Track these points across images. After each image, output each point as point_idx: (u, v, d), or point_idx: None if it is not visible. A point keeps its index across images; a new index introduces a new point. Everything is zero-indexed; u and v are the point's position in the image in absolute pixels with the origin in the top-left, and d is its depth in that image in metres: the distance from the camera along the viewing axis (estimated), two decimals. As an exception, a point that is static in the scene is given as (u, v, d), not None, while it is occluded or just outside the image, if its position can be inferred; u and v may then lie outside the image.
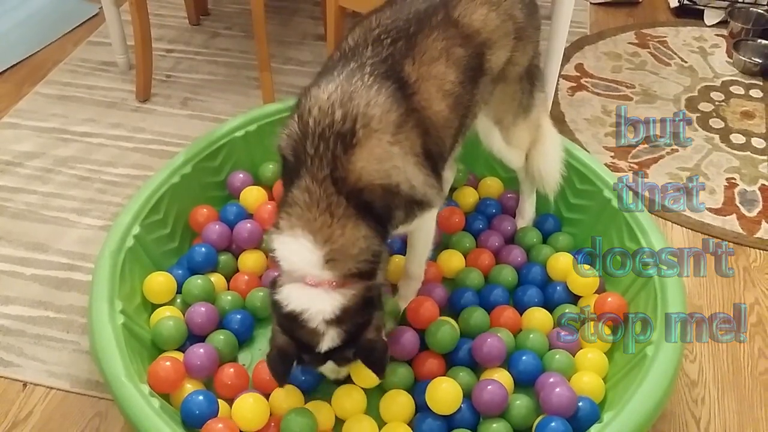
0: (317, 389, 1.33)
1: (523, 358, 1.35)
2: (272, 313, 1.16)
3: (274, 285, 1.15)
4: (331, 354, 1.13)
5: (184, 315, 1.44)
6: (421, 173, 1.20)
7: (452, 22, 1.25)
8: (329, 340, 1.11)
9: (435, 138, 1.23)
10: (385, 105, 1.14)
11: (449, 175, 1.72)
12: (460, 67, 1.25)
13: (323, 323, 1.10)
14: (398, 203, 1.19)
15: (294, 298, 1.11)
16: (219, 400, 1.28)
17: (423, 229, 1.39)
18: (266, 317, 1.50)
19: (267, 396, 1.29)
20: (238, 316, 1.44)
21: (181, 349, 1.38)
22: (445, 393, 1.24)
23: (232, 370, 1.32)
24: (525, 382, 1.32)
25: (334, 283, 1.11)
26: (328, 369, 1.20)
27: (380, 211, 1.16)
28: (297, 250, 1.11)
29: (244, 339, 1.46)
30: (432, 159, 1.23)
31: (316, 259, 1.11)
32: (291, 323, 1.11)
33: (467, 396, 1.29)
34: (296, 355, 1.13)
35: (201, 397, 1.24)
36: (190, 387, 1.29)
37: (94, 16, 2.63)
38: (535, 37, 1.43)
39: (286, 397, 1.29)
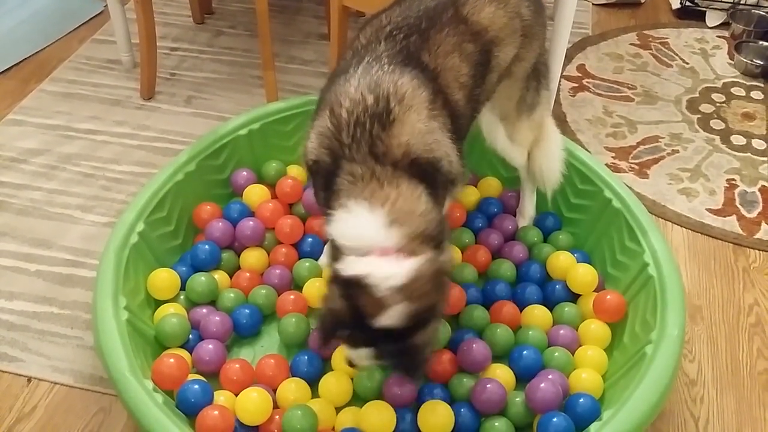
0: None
1: (524, 353, 1.36)
2: (330, 285, 1.05)
3: (335, 259, 1.06)
4: (382, 339, 1.01)
5: (187, 312, 1.45)
6: (454, 151, 1.19)
7: (461, 19, 1.27)
8: (391, 316, 0.99)
9: (455, 123, 1.24)
10: (413, 83, 1.14)
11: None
12: (471, 62, 1.26)
13: (391, 291, 0.97)
14: (438, 183, 1.15)
15: (357, 264, 1.01)
16: (225, 393, 1.30)
17: None
18: (268, 315, 1.51)
19: (273, 391, 1.31)
20: (247, 311, 1.45)
21: (185, 346, 1.40)
22: (438, 417, 1.23)
23: (237, 365, 1.33)
24: (526, 378, 1.33)
25: (403, 253, 1.01)
26: (362, 355, 1.06)
27: (432, 183, 1.10)
28: (354, 222, 1.04)
29: (249, 334, 1.47)
30: (456, 143, 1.22)
31: (378, 223, 1.02)
32: (352, 289, 1.00)
33: (467, 398, 1.30)
34: (348, 325, 1.01)
35: (196, 386, 1.25)
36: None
37: (99, 14, 2.64)
38: (541, 35, 1.45)
39: (293, 390, 1.30)
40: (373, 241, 1.02)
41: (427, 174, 1.11)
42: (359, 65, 1.18)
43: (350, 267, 1.01)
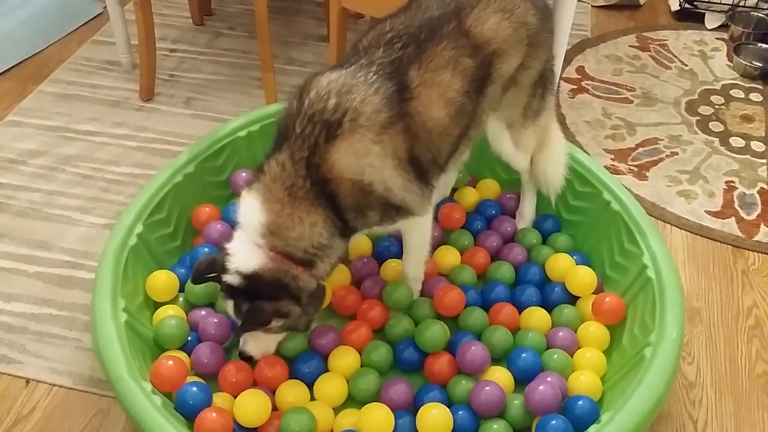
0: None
1: (523, 355, 1.36)
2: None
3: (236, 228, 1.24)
4: (231, 292, 1.22)
5: (186, 314, 1.45)
6: (400, 177, 1.22)
7: (463, 32, 1.26)
8: (228, 277, 1.20)
9: (427, 144, 1.24)
10: (378, 105, 1.18)
11: (451, 176, 1.74)
12: (466, 77, 1.26)
13: (234, 271, 1.19)
14: (371, 203, 1.22)
15: (236, 245, 1.21)
16: (224, 395, 1.30)
17: (414, 233, 1.41)
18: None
19: (272, 393, 1.31)
20: None
21: (183, 348, 1.40)
22: (437, 419, 1.23)
23: (236, 367, 1.33)
24: (525, 380, 1.33)
25: (272, 254, 1.18)
26: (230, 307, 1.25)
27: (344, 206, 1.19)
28: (248, 213, 1.20)
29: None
30: (419, 166, 1.24)
31: (258, 226, 1.19)
32: (223, 255, 1.22)
33: (465, 401, 1.30)
34: (216, 271, 1.23)
35: (195, 388, 1.25)
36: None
37: (98, 15, 2.65)
38: (548, 42, 1.45)
39: (292, 392, 1.30)
40: (251, 234, 1.19)
41: (346, 195, 1.18)
42: (351, 65, 1.22)
43: (235, 237, 1.22)
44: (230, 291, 1.22)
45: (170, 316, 1.40)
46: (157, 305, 1.47)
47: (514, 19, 1.32)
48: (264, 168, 1.21)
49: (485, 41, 1.28)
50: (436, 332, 1.37)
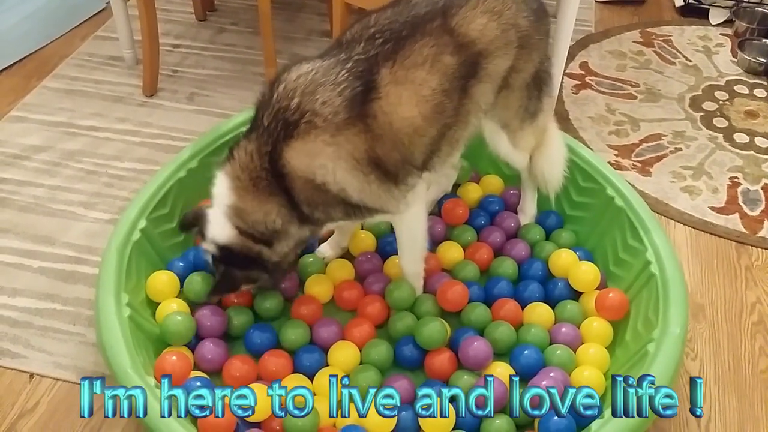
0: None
1: (525, 352, 1.36)
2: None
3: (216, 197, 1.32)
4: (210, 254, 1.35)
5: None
6: (355, 179, 1.22)
7: (448, 30, 1.25)
8: (207, 245, 1.34)
9: (394, 145, 1.23)
10: (338, 107, 1.19)
11: (451, 173, 1.74)
12: (446, 75, 1.24)
13: (211, 240, 1.32)
14: (327, 201, 1.24)
15: (214, 215, 1.30)
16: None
17: (402, 229, 1.41)
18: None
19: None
20: (261, 333, 1.42)
21: (186, 344, 1.39)
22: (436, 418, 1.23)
23: (240, 361, 1.33)
24: (528, 376, 1.32)
25: (234, 228, 1.28)
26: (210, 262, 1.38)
27: (299, 200, 1.24)
28: (220, 193, 1.28)
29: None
30: (383, 167, 1.23)
31: (225, 207, 1.28)
32: (204, 218, 1.33)
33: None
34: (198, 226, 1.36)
35: (199, 383, 1.26)
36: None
37: (101, 10, 2.65)
38: (542, 44, 1.43)
39: (294, 384, 1.29)
40: (220, 208, 1.29)
41: (300, 191, 1.23)
42: (331, 58, 1.23)
43: (214, 206, 1.30)
44: (209, 253, 1.34)
45: (176, 311, 1.40)
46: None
47: (503, 20, 1.30)
48: (234, 154, 1.27)
49: (470, 41, 1.26)
50: (435, 329, 1.37)
